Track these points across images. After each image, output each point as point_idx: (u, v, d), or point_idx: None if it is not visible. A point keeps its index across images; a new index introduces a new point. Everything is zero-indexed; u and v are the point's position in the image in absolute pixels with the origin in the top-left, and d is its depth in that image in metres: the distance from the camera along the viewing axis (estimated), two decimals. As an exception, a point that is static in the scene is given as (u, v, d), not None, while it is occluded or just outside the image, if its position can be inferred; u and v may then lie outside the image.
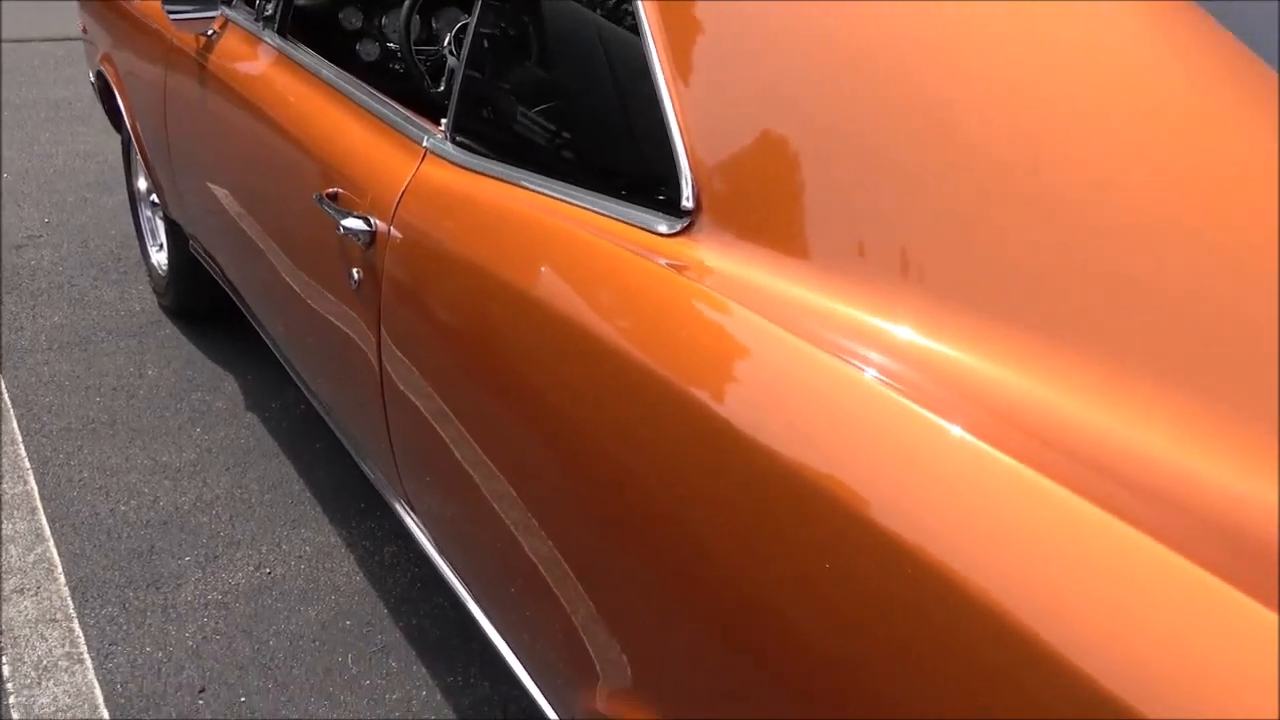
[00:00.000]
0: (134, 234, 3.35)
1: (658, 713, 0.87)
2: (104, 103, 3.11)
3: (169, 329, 3.04)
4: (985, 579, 0.61)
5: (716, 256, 0.87)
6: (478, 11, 1.29)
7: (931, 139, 0.76)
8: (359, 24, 2.25)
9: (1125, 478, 0.61)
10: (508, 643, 1.35)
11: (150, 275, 3.18)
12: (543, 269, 1.00)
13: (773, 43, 0.88)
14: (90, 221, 3.72)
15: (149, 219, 3.12)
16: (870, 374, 0.73)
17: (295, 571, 2.11)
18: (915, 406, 0.69)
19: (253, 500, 2.32)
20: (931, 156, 0.76)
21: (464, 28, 1.90)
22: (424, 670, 1.89)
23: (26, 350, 2.84)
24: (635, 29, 1.01)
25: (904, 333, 0.74)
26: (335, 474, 2.40)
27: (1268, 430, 0.58)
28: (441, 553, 1.53)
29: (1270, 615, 0.52)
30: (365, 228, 1.33)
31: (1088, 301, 0.67)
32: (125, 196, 3.41)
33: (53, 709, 1.76)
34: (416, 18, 2.07)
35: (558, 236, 1.01)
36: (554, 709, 1.22)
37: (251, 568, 2.12)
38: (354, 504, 2.31)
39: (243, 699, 1.81)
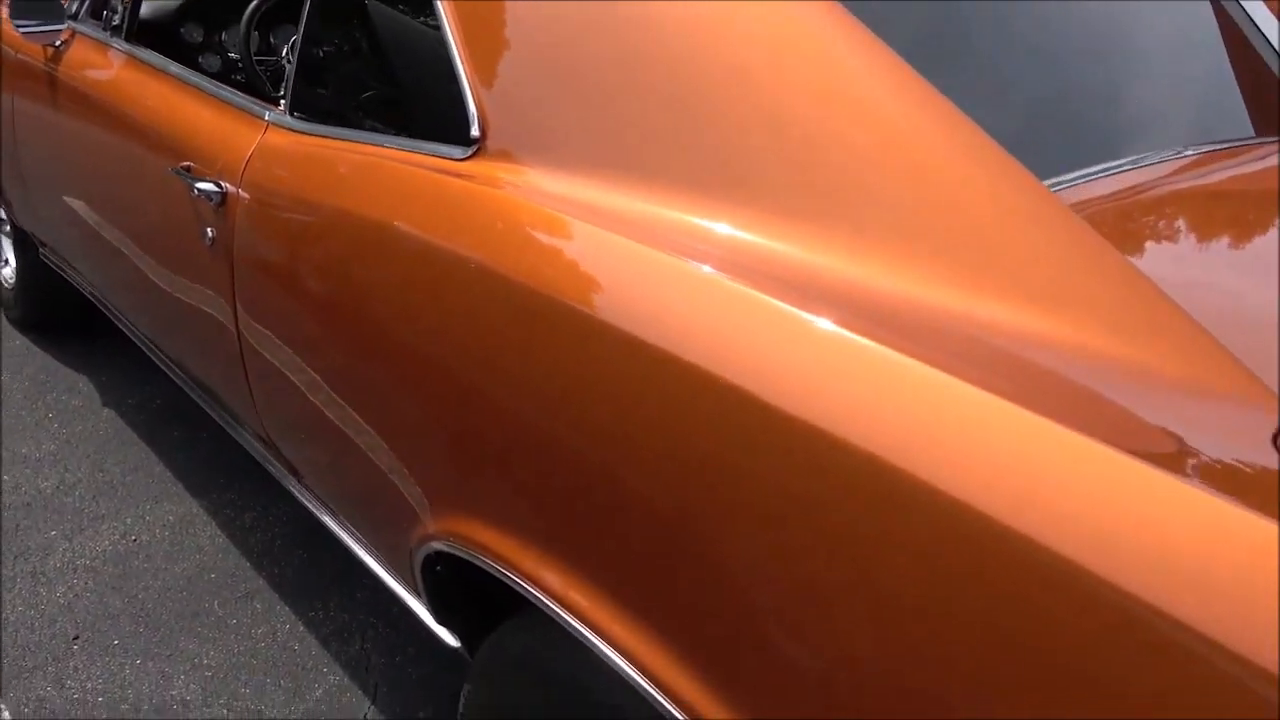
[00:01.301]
0: (-25, 256, 3.41)
1: (472, 514, 1.14)
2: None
3: (19, 340, 3.12)
4: (773, 390, 0.83)
5: (496, 169, 1.16)
6: (308, 6, 1.55)
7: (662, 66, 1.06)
8: (200, 38, 2.46)
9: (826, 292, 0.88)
10: (362, 545, 1.59)
11: (-3, 290, 3.26)
12: (366, 193, 1.27)
13: (531, 22, 1.18)
14: (-73, 246, 3.74)
15: (-9, 232, 3.20)
16: (607, 232, 1.02)
17: (160, 538, 2.28)
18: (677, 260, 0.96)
19: (114, 482, 2.46)
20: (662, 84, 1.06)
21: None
22: (287, 609, 2.09)
23: (-128, 364, 2.89)
24: (434, 23, 1.29)
25: (629, 203, 1.04)
26: (195, 456, 2.56)
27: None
28: (303, 486, 1.75)
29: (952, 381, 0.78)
30: (217, 189, 1.56)
31: (797, 179, 0.97)
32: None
33: (-70, 664, 1.89)
34: (255, 33, 2.30)
35: (376, 169, 1.28)
36: (395, 577, 1.47)
37: (117, 537, 2.27)
38: (214, 479, 2.48)
39: (116, 642, 1.97)
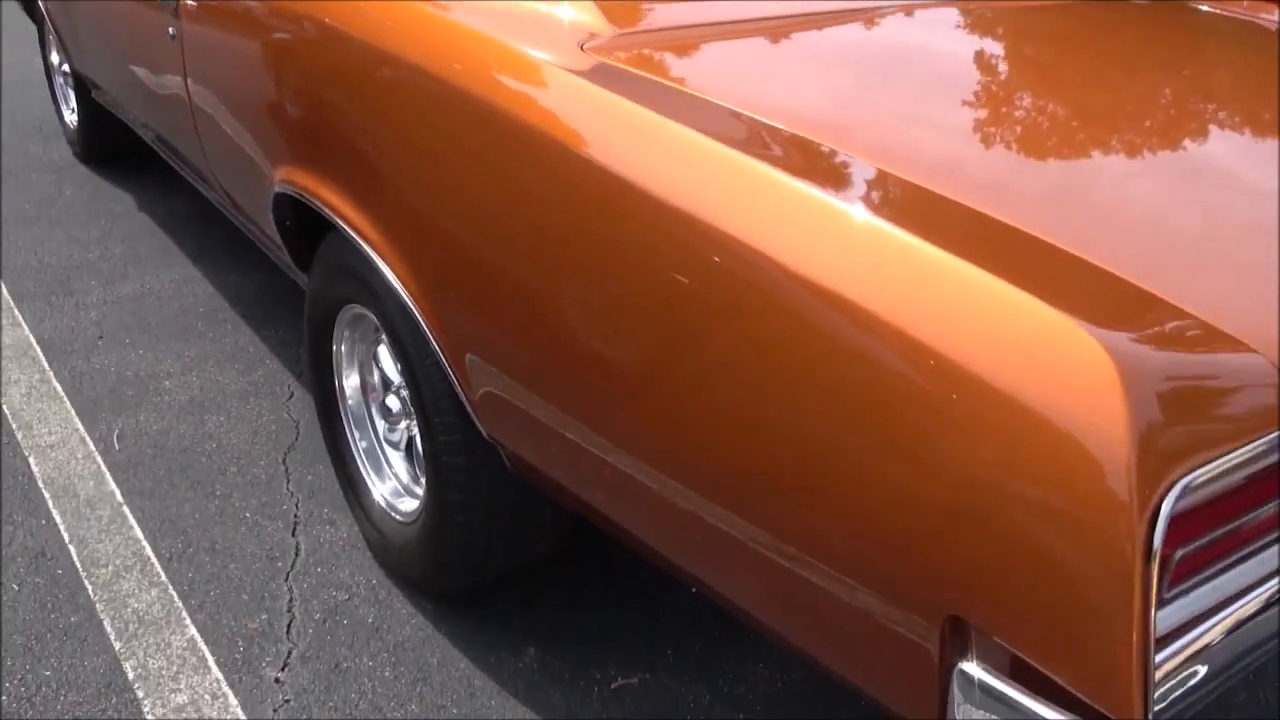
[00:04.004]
0: (53, 114, 4.28)
1: (298, 169, 1.87)
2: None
3: (82, 170, 3.98)
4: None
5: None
6: None
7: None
8: None
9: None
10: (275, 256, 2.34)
11: (65, 132, 4.12)
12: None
13: None
14: (17, 106, 4.64)
15: (61, 86, 4.06)
16: None
17: (168, 289, 3.10)
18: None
19: (140, 255, 3.30)
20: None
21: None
22: (249, 330, 2.88)
23: (-29, 181, 3.78)
24: None
25: None
26: (204, 243, 3.38)
27: None
28: (238, 214, 2.52)
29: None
30: (171, -2, 2.31)
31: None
32: (44, 91, 4.33)
33: None
34: None
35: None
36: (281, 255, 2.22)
37: (137, 286, 3.10)
38: (215, 257, 3.29)
39: (127, 341, 2.80)
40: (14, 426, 2.42)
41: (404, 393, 1.91)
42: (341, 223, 1.72)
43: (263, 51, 1.94)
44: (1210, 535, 0.84)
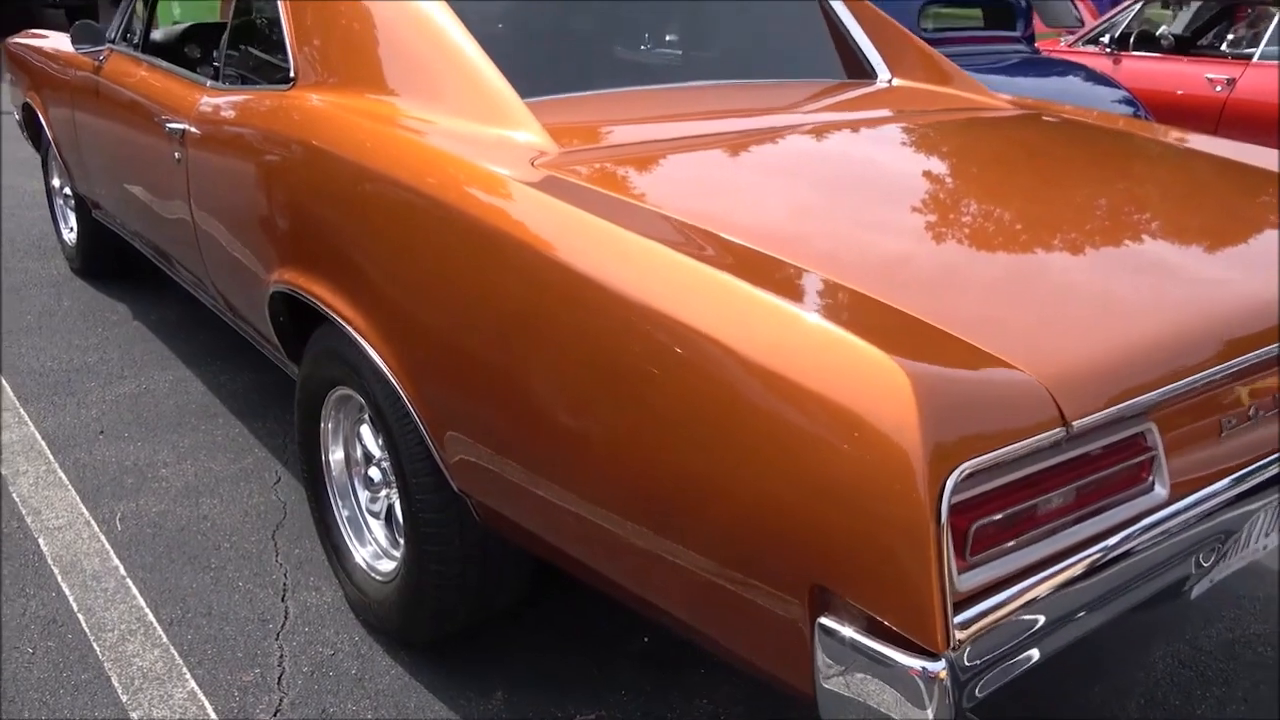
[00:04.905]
0: (52, 234, 4.58)
1: (293, 270, 2.16)
2: (27, 126, 4.37)
3: (79, 283, 4.26)
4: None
5: (305, 94, 2.20)
6: (227, 31, 2.63)
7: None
8: (197, 54, 3.59)
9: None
10: (266, 350, 2.61)
11: (64, 250, 4.41)
12: (247, 112, 2.32)
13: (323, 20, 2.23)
14: (15, 228, 4.94)
15: (61, 207, 4.37)
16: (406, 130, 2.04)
17: (163, 389, 3.35)
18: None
19: (136, 358, 3.55)
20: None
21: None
22: (239, 424, 3.13)
23: (-25, 295, 4.04)
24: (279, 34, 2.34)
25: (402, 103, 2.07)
26: (192, 345, 3.64)
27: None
28: (234, 316, 2.80)
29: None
30: (181, 126, 2.63)
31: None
32: (40, 213, 4.65)
33: (7, 449, 2.97)
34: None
35: (250, 103, 2.33)
36: (270, 347, 2.49)
37: (133, 386, 3.35)
38: (204, 359, 3.55)
39: (127, 435, 3.03)
40: (24, 512, 2.64)
41: (384, 464, 2.16)
42: (334, 315, 2.00)
43: (261, 171, 2.25)
44: (1000, 515, 1.11)
